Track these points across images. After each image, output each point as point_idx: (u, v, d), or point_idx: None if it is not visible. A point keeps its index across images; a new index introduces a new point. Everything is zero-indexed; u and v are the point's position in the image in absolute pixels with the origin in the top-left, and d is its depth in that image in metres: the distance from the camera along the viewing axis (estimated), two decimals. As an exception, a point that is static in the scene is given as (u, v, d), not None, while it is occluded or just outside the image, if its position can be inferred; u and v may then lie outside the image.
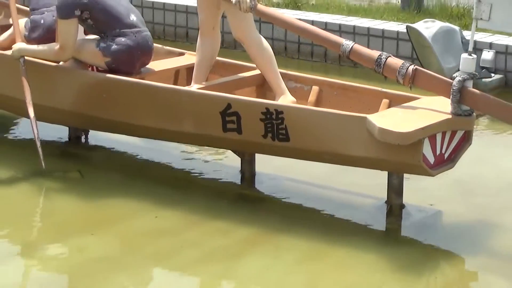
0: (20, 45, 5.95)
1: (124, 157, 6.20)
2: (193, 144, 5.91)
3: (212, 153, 6.08)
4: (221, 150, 5.79)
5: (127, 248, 4.97)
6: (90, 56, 5.79)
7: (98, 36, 5.81)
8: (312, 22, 8.17)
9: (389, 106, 5.46)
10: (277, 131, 5.24)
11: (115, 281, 4.61)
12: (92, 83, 5.81)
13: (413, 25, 7.62)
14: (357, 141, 5.05)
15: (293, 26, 5.58)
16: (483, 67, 7.71)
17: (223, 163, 5.99)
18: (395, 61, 5.22)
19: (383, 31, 8.17)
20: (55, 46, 5.79)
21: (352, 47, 5.29)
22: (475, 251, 4.95)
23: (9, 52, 6.09)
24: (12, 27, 6.62)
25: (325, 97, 5.77)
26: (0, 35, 6.85)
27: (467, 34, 7.76)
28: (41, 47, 5.89)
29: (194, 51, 6.23)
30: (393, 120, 4.99)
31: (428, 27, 7.49)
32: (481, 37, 7.79)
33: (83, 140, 6.42)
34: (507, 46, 7.60)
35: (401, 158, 4.99)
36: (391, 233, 5.24)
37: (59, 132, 6.41)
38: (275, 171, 5.84)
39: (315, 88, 5.82)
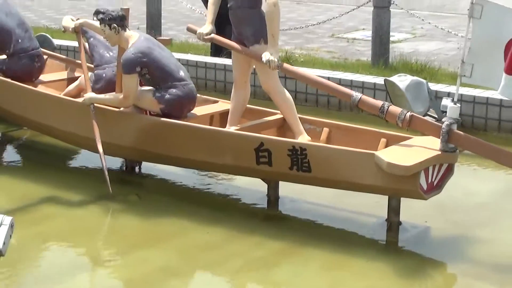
0: (90, 94, 5.79)
1: (172, 184, 5.99)
2: (231, 174, 5.73)
3: (243, 180, 5.87)
4: (251, 178, 5.61)
5: (182, 258, 4.79)
6: (148, 104, 5.62)
7: (153, 88, 5.63)
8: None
9: (387, 144, 5.32)
10: (301, 164, 5.09)
11: (173, 287, 4.43)
12: (148, 125, 5.65)
13: (390, 78, 7.49)
14: (366, 172, 4.92)
15: (312, 81, 5.45)
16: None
17: (252, 189, 5.78)
18: (395, 109, 5.10)
19: (363, 82, 8.03)
20: (120, 95, 5.63)
21: (360, 97, 5.17)
22: (456, 259, 4.84)
23: (79, 100, 5.91)
24: (78, 79, 6.51)
25: (333, 136, 5.62)
26: (68, 86, 6.71)
27: (431, 85, 7.66)
28: (107, 96, 5.73)
29: (227, 99, 6.07)
30: (397, 155, 4.87)
31: (402, 80, 7.37)
32: (441, 87, 7.68)
33: (137, 170, 6.21)
34: (461, 95, 7.48)
35: (402, 185, 4.87)
36: (391, 245, 5.09)
37: (115, 163, 6.20)
38: (295, 195, 5.66)
39: (325, 130, 5.67)
